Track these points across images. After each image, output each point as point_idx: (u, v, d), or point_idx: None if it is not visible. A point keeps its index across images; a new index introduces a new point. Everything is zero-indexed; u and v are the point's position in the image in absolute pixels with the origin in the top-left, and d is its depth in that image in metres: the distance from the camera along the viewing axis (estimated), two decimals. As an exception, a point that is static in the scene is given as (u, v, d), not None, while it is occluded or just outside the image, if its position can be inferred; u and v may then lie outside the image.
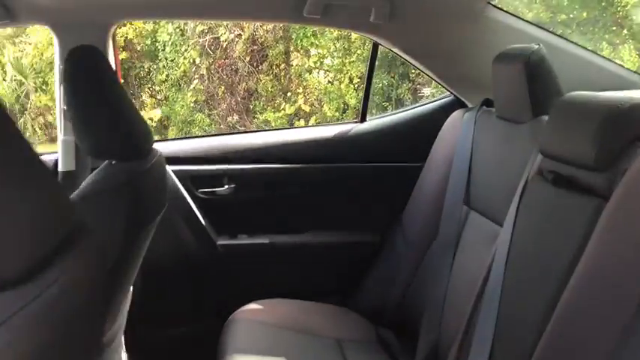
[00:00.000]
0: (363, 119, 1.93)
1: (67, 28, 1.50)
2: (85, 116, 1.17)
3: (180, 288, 1.78)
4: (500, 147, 1.49)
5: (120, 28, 6.63)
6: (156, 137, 5.79)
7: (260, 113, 6.44)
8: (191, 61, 6.57)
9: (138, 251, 1.28)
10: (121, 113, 1.20)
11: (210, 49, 6.40)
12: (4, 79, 6.78)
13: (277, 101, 6.42)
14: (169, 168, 1.72)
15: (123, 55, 6.76)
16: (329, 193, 1.89)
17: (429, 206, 1.69)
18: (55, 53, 1.57)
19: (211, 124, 6.77)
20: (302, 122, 6.11)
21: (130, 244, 1.17)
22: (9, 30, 6.53)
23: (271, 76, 6.46)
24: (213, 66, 6.55)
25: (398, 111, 2.01)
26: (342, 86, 6.04)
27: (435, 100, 1.96)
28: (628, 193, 0.97)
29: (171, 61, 6.69)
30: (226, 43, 6.43)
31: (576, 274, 1.01)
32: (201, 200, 1.78)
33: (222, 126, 6.72)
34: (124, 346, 1.51)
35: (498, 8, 1.64)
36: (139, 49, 6.87)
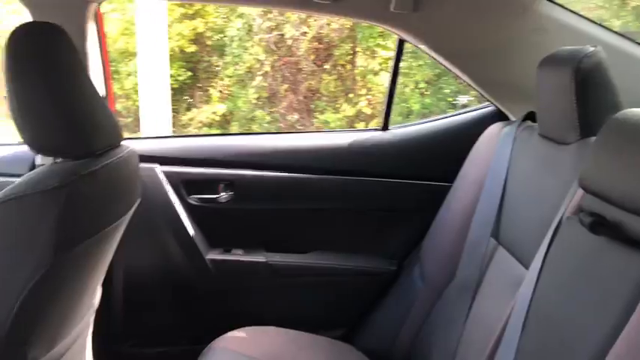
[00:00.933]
0: (385, 127, 1.66)
1: (40, 4, 1.34)
2: (24, 104, 0.99)
3: (161, 305, 1.59)
4: (540, 172, 1.20)
5: (190, 20, 6.73)
6: (205, 131, 5.69)
7: (320, 113, 6.34)
8: (256, 57, 6.52)
9: (82, 265, 1.09)
10: (72, 103, 1.02)
11: (276, 47, 6.32)
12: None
13: (339, 102, 6.29)
14: (160, 169, 1.54)
15: (192, 49, 6.83)
16: (340, 210, 1.65)
17: (452, 236, 1.41)
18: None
19: (271, 121, 6.77)
20: (362, 125, 5.95)
21: (63, 257, 0.98)
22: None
23: (335, 76, 6.34)
24: (277, 63, 6.48)
25: (427, 120, 1.72)
26: (407, 90, 5.81)
27: (472, 110, 1.66)
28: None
29: (237, 56, 6.69)
30: (291, 40, 6.39)
31: (616, 349, 0.72)
32: (193, 207, 1.59)
33: (281, 124, 6.70)
34: None
35: (553, 2, 1.34)
36: (209, 43, 6.90)
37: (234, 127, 6.78)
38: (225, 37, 6.70)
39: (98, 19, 1.43)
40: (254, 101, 6.77)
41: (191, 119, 6.88)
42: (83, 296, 1.17)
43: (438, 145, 1.63)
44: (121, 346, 1.54)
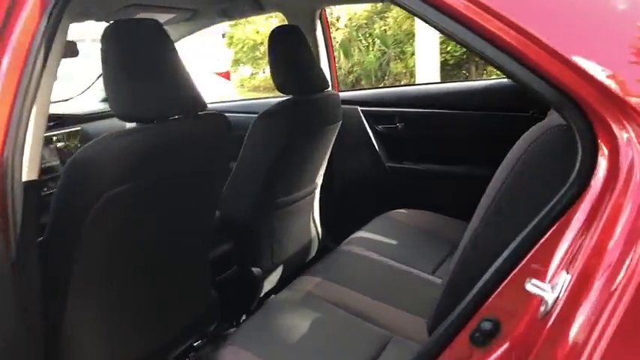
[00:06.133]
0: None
1: (292, 13, 2.23)
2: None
3: (359, 193, 2.39)
4: None
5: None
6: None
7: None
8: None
9: (306, 147, 1.84)
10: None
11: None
12: (372, 49, 8.18)
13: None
14: (360, 108, 2.40)
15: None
16: (478, 137, 2.14)
17: None
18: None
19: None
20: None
21: (290, 143, 1.74)
22: (378, 6, 7.70)
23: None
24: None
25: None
26: None
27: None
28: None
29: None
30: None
31: None
32: (379, 133, 2.32)
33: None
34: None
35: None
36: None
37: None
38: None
39: (324, 19, 2.25)
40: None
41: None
42: (307, 171, 1.94)
43: None
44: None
